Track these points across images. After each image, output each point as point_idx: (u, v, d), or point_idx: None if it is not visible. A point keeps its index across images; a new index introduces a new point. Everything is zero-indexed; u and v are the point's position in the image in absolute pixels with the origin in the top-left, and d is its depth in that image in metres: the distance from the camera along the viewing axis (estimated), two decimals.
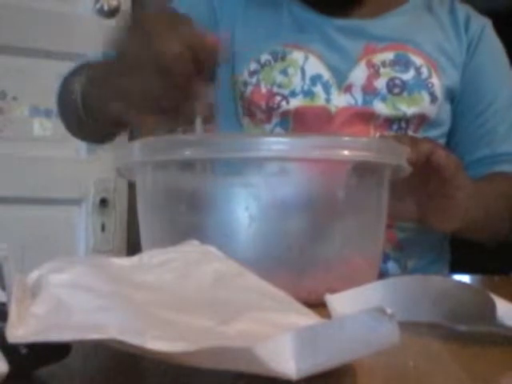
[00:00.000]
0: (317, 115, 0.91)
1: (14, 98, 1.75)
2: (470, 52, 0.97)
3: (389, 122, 0.91)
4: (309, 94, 0.91)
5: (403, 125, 0.91)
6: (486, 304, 0.40)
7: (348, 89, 0.92)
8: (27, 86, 1.75)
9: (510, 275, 0.93)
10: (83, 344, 0.33)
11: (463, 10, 0.99)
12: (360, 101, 0.91)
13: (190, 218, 0.57)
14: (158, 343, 0.28)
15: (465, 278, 0.82)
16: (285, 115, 0.92)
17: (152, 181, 0.60)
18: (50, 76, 1.79)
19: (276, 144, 0.53)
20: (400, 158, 0.59)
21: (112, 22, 1.81)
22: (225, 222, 0.55)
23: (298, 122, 0.91)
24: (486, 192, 0.88)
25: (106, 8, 1.79)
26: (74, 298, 0.32)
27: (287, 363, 0.27)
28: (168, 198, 0.59)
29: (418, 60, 0.92)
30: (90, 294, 0.33)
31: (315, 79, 0.92)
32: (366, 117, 0.90)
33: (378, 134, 0.90)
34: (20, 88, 1.75)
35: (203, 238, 0.46)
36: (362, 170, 0.57)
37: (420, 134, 0.92)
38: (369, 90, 0.91)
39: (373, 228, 0.60)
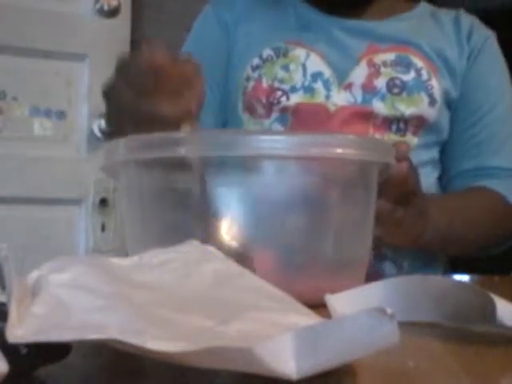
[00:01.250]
0: (315, 113, 0.91)
1: (14, 98, 1.75)
2: (470, 62, 0.97)
3: (388, 122, 0.91)
4: (309, 89, 0.92)
5: (402, 126, 0.91)
6: (486, 304, 0.40)
7: (348, 87, 0.92)
8: (27, 86, 1.75)
9: (510, 275, 0.93)
10: (83, 344, 0.33)
11: (468, 21, 0.99)
12: (359, 99, 0.91)
13: (175, 218, 0.57)
14: (157, 343, 0.28)
15: (465, 278, 0.82)
16: (284, 111, 0.92)
17: (135, 179, 0.59)
18: (49, 76, 1.79)
19: (262, 142, 0.52)
20: (388, 155, 0.59)
21: (112, 22, 1.81)
22: (209, 221, 0.55)
23: (297, 119, 0.92)
24: (466, 207, 0.89)
25: (105, 8, 1.79)
26: (74, 298, 0.32)
27: (287, 363, 0.27)
28: (153, 197, 0.58)
29: (419, 62, 0.93)
30: (90, 294, 0.33)
31: (316, 76, 0.92)
32: (364, 116, 0.90)
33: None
34: (20, 88, 1.75)
35: (188, 238, 0.46)
36: (351, 167, 0.57)
37: (419, 138, 0.92)
38: (368, 89, 0.91)
39: (361, 226, 0.60)
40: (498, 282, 0.78)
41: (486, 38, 0.99)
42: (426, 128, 0.93)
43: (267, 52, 0.94)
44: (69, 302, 0.32)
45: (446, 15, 1.00)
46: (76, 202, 1.81)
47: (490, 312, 0.40)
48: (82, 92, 1.80)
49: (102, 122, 1.77)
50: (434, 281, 0.47)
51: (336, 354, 0.29)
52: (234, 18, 1.00)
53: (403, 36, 0.95)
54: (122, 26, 1.83)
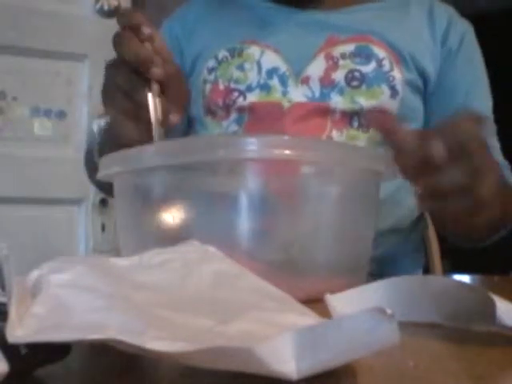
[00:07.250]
0: (269, 111, 0.89)
1: (14, 98, 1.75)
2: (448, 61, 0.94)
3: (347, 117, 0.88)
4: (265, 87, 0.90)
5: (363, 121, 0.88)
6: (486, 304, 0.40)
7: (305, 80, 0.90)
8: (27, 86, 1.75)
9: (510, 275, 0.93)
10: (83, 344, 0.33)
11: (444, 16, 0.96)
12: (317, 93, 0.89)
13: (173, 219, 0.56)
14: (157, 343, 0.28)
15: (465, 278, 0.82)
16: (241, 111, 0.91)
17: (129, 186, 0.59)
18: (49, 76, 1.79)
19: (263, 146, 0.51)
20: (384, 163, 0.58)
21: (112, 22, 1.81)
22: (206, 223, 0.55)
23: (252, 119, 0.90)
24: None
25: (106, 8, 1.79)
26: (74, 298, 0.32)
27: (287, 363, 0.27)
28: (146, 203, 0.58)
29: (380, 53, 0.90)
30: (90, 294, 0.33)
31: (271, 72, 0.91)
32: (321, 112, 0.88)
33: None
34: (20, 88, 1.75)
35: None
36: (351, 171, 0.57)
37: None
38: (326, 83, 0.89)
39: (361, 228, 0.59)
40: (497, 282, 0.78)
41: (463, 35, 0.96)
42: None
43: (222, 53, 0.93)
44: (69, 302, 0.32)
45: (419, 6, 0.96)
46: (76, 201, 1.81)
47: (490, 312, 0.40)
48: (82, 92, 1.80)
49: (102, 122, 1.77)
50: (434, 281, 0.47)
51: (336, 354, 0.29)
52: (185, 31, 0.99)
53: (365, 26, 0.92)
54: None
